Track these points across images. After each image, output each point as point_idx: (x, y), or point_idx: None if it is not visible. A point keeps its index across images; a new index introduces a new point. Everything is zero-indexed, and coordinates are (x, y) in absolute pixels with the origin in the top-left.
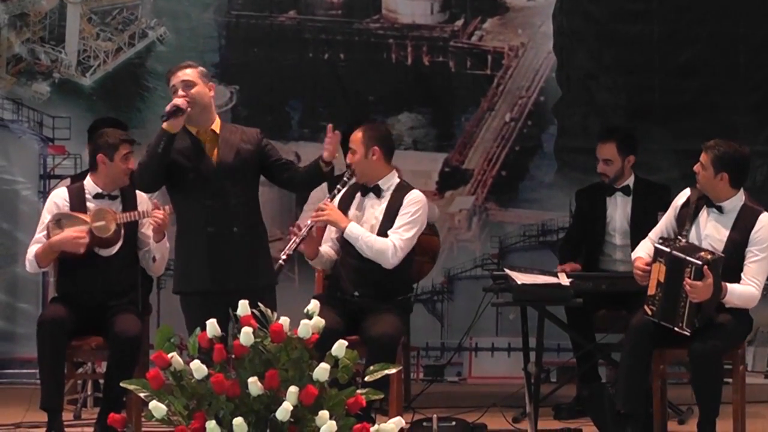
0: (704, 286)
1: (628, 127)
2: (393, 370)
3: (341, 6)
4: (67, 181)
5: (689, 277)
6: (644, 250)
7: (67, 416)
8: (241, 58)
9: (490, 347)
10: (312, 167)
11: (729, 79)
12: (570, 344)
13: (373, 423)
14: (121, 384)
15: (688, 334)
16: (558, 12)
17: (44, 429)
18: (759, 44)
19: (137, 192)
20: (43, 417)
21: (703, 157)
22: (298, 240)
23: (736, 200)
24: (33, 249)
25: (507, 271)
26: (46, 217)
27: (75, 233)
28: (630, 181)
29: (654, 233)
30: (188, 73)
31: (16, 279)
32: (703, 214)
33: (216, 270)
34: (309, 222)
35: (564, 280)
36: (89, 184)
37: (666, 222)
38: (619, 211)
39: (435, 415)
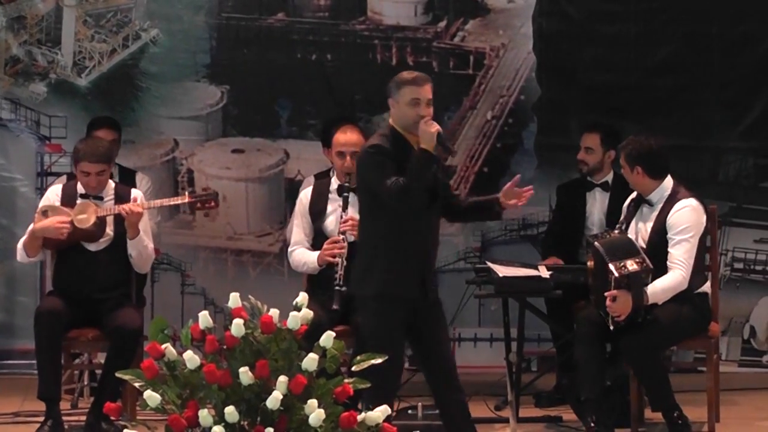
0: (623, 305)
1: (613, 123)
2: (379, 360)
3: (328, 8)
4: (63, 178)
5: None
6: None
7: (64, 405)
8: (232, 59)
9: (473, 337)
10: (486, 205)
11: (703, 77)
12: (550, 334)
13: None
14: (117, 374)
15: (612, 328)
16: (538, 13)
17: (42, 418)
18: (732, 43)
19: (132, 190)
20: (41, 406)
21: (621, 160)
22: (345, 255)
23: (662, 191)
24: (23, 239)
25: (489, 264)
26: None
27: (57, 222)
28: (609, 177)
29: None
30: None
31: (14, 272)
32: (640, 210)
33: (420, 281)
34: (342, 236)
35: (544, 273)
36: (79, 184)
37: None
38: (597, 206)
39: (420, 404)
